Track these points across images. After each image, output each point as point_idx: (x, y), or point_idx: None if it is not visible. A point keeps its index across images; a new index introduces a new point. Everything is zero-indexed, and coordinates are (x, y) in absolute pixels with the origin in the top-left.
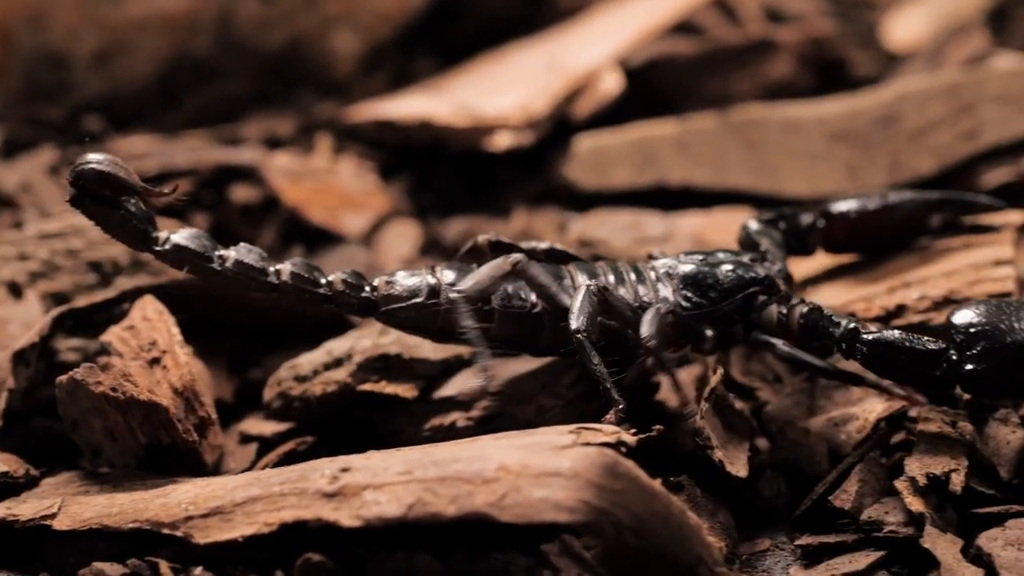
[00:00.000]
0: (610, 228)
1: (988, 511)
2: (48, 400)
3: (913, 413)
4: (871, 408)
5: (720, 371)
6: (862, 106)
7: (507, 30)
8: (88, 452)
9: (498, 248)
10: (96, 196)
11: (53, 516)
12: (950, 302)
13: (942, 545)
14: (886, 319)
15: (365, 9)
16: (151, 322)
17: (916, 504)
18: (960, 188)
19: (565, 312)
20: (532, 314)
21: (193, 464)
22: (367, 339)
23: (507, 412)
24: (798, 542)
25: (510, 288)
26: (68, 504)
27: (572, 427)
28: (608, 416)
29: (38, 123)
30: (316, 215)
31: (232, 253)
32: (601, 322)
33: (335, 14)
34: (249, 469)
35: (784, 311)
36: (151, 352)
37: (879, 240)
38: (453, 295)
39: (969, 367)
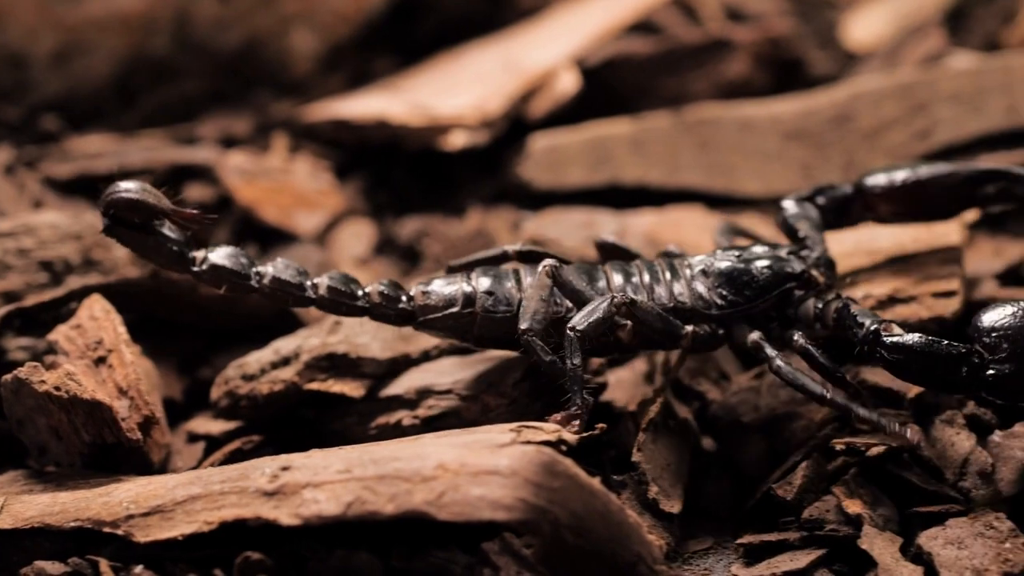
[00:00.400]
0: (563, 227)
1: (929, 510)
2: None
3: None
4: (816, 407)
5: (660, 399)
6: (816, 105)
7: (468, 29)
8: (34, 451)
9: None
10: (129, 223)
11: None
12: (894, 300)
13: (880, 545)
14: None
15: (323, 8)
16: (98, 321)
17: (853, 507)
18: None
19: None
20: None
21: (139, 463)
22: (315, 338)
23: (453, 411)
24: (740, 540)
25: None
26: (11, 503)
27: (514, 425)
28: (555, 415)
29: None
30: (270, 214)
31: (269, 269)
32: (633, 328)
33: (292, 13)
34: (196, 468)
35: (820, 306)
36: (97, 351)
37: (923, 210)
38: (525, 339)
39: (993, 371)
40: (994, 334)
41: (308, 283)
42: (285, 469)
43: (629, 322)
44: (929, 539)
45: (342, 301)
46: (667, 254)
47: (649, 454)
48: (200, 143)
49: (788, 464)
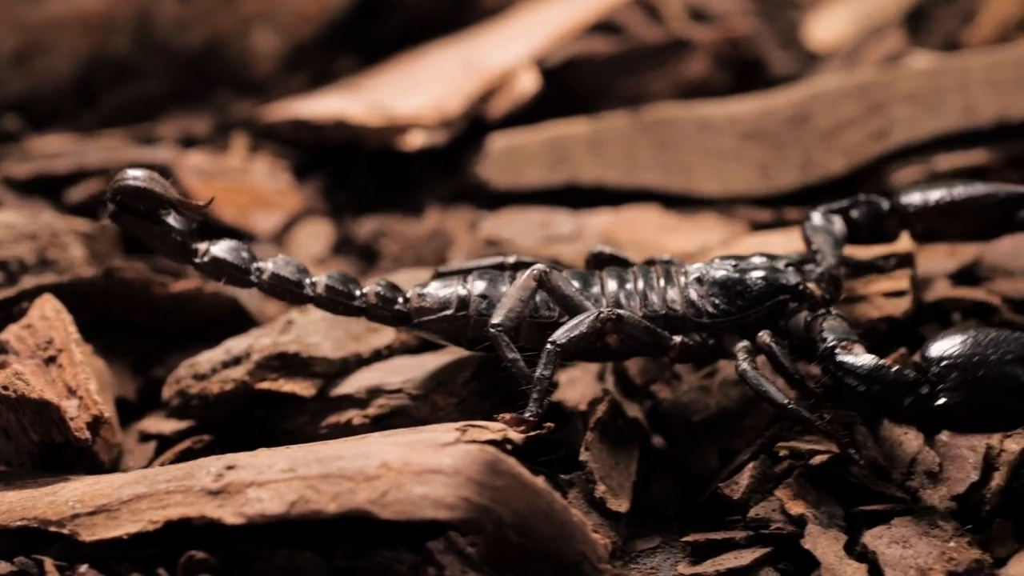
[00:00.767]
0: (520, 227)
1: (875, 509)
2: None
3: None
4: (765, 407)
5: (608, 399)
6: (774, 106)
7: (431, 29)
8: None
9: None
10: (135, 211)
11: None
12: (845, 300)
13: (823, 544)
14: None
15: (284, 8)
16: (48, 321)
17: (796, 507)
18: (870, 188)
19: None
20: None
21: (88, 462)
22: (267, 337)
23: (402, 410)
24: (687, 539)
25: (538, 298)
26: None
27: (460, 424)
28: (504, 415)
29: None
30: (227, 214)
31: (269, 266)
32: (625, 338)
33: (253, 13)
34: (147, 468)
35: (810, 319)
36: (47, 351)
37: (958, 230)
38: (490, 331)
39: (942, 400)
40: (943, 363)
41: (307, 281)
42: (230, 468)
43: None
44: (874, 538)
45: (339, 300)
46: (667, 262)
47: (597, 453)
48: (159, 143)
49: (736, 463)
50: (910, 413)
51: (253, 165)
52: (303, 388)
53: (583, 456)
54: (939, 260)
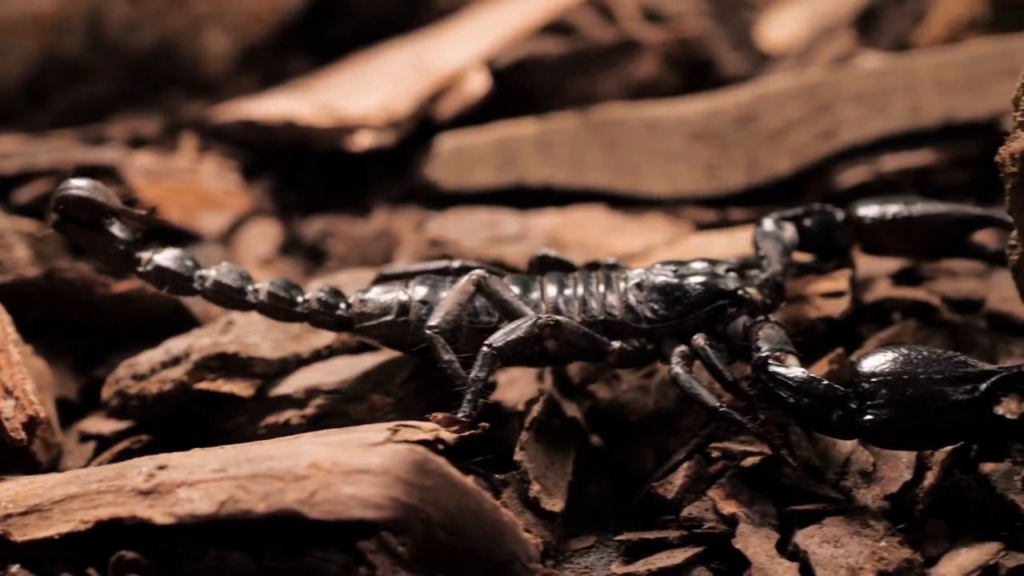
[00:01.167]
0: (466, 227)
1: (807, 508)
2: None
3: None
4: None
5: (543, 398)
6: (722, 106)
7: (385, 30)
8: None
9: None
10: (78, 220)
11: None
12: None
13: (755, 543)
14: None
15: (235, 9)
16: None
17: (728, 507)
18: (817, 188)
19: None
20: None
21: (25, 463)
22: (207, 338)
23: (340, 410)
24: (620, 538)
25: (478, 303)
26: None
27: (392, 424)
28: (436, 414)
29: None
30: (174, 214)
31: (212, 273)
32: (563, 343)
33: (204, 14)
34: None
35: (749, 325)
36: None
37: (912, 247)
38: (427, 333)
39: (870, 417)
40: (873, 379)
41: (250, 288)
42: (162, 468)
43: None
44: (806, 537)
45: (281, 307)
46: (611, 266)
47: (532, 453)
48: (108, 144)
49: (670, 464)
50: (838, 427)
51: (201, 166)
52: (242, 388)
53: (518, 456)
54: (882, 260)
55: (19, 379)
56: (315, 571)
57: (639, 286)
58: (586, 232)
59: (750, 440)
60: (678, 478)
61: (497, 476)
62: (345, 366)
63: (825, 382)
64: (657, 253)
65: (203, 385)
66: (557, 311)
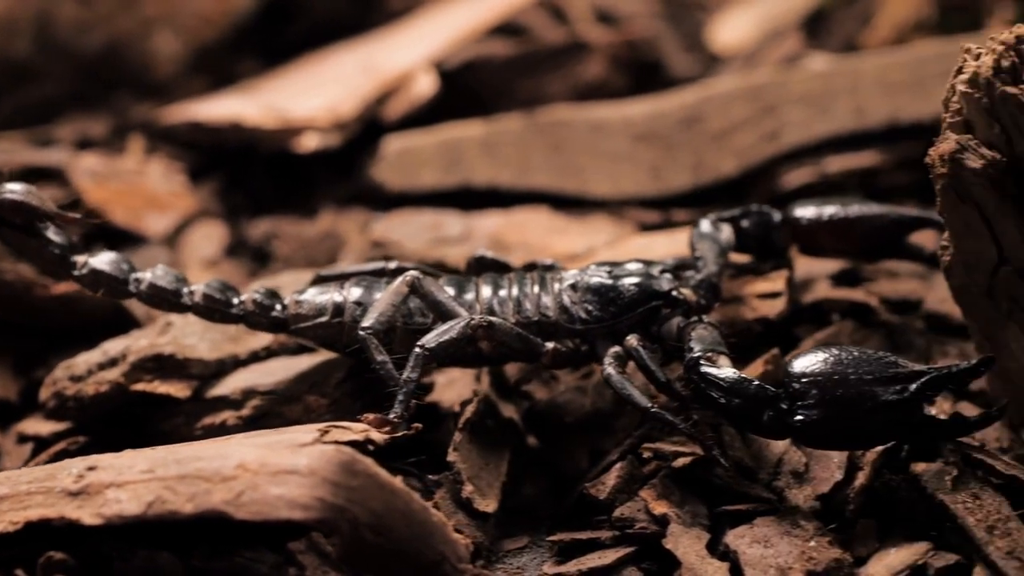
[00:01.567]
0: (410, 228)
1: (738, 508)
2: None
3: None
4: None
5: (477, 398)
6: (667, 107)
7: (338, 32)
8: None
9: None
10: (12, 224)
11: None
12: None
13: (685, 544)
14: None
15: (184, 11)
16: None
17: (659, 507)
18: (762, 189)
19: None
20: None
21: None
22: (144, 339)
23: (276, 411)
24: (553, 538)
25: (412, 304)
26: None
27: (322, 425)
28: (368, 415)
29: None
30: (119, 216)
31: (147, 276)
32: (497, 344)
33: (154, 16)
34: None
35: (683, 326)
36: None
37: (848, 248)
38: (360, 334)
39: (800, 417)
40: (804, 380)
41: (185, 290)
42: (91, 469)
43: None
44: (736, 537)
45: (217, 308)
46: (547, 267)
47: (465, 454)
48: (56, 145)
49: (603, 464)
50: (769, 427)
51: (148, 167)
52: (178, 390)
53: (451, 457)
54: (822, 261)
55: None
56: (244, 571)
57: (573, 287)
58: (529, 233)
59: (682, 441)
60: (611, 479)
61: (431, 477)
62: (282, 367)
63: (756, 382)
64: (599, 254)
65: (140, 386)
66: (491, 312)
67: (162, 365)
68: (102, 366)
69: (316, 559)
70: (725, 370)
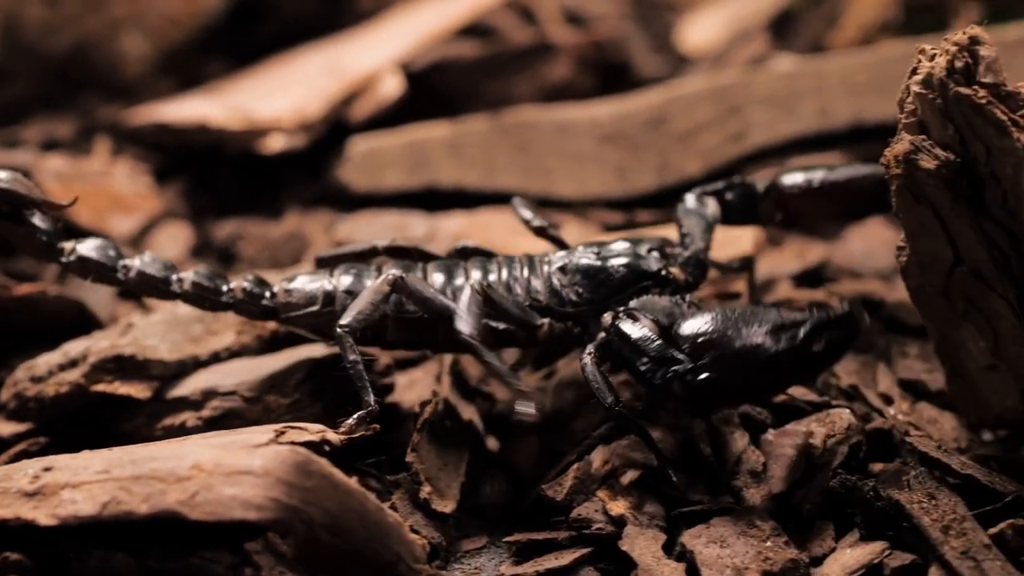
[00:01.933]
0: (375, 229)
1: (694, 509)
2: None
3: None
4: (594, 409)
5: (436, 399)
6: (632, 108)
7: (307, 33)
8: None
9: (394, 253)
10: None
11: None
12: None
13: (641, 544)
14: None
15: (152, 13)
16: None
17: (616, 508)
18: None
19: (451, 317)
20: (424, 319)
21: None
22: (105, 340)
23: (236, 412)
24: (511, 539)
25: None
26: None
27: (279, 426)
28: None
29: None
30: (84, 217)
31: (136, 263)
32: (486, 323)
33: (122, 17)
34: None
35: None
36: None
37: (836, 211)
38: (338, 334)
39: (701, 377)
40: (698, 340)
41: (174, 277)
42: (47, 470)
43: (501, 324)
44: (692, 538)
45: (206, 296)
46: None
47: (424, 455)
48: (22, 146)
49: (561, 465)
50: (665, 387)
51: (114, 168)
52: (139, 390)
53: (409, 457)
54: (785, 261)
55: None
56: (200, 572)
57: (563, 270)
58: (493, 234)
59: (640, 446)
60: (568, 479)
61: (389, 477)
62: (242, 368)
63: (660, 342)
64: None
65: (100, 387)
66: None
67: (123, 366)
68: (63, 367)
69: (272, 559)
70: (637, 326)
